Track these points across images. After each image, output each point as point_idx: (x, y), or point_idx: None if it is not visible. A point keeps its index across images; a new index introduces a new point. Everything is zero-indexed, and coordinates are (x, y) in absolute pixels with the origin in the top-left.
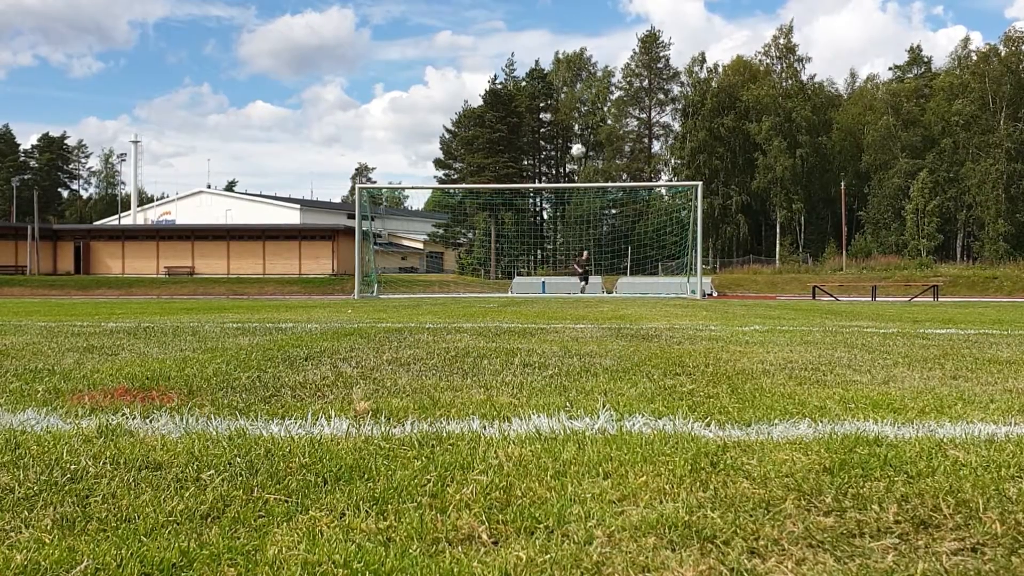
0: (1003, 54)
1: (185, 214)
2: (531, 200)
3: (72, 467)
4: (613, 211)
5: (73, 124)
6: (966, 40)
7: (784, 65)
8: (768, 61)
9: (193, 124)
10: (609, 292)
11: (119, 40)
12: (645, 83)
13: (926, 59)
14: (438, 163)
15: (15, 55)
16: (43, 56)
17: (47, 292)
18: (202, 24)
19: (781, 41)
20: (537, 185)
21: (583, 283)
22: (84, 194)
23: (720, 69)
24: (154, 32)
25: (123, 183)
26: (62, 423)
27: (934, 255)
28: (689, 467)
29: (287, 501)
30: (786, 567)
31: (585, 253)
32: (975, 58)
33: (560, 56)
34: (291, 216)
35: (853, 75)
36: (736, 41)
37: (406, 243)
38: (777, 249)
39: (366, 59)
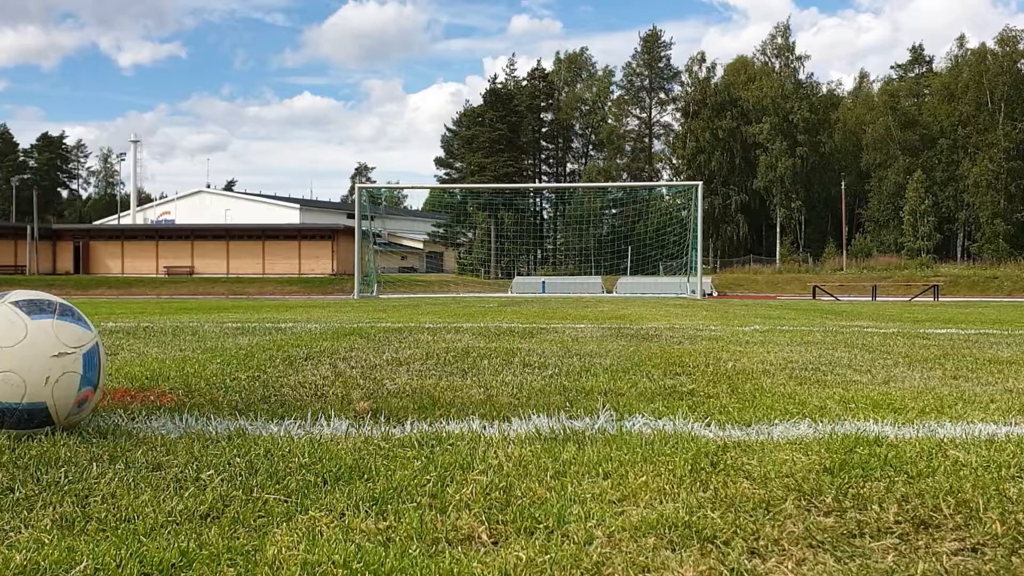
0: (999, 54)
1: (185, 214)
2: (531, 200)
3: (72, 467)
4: (613, 211)
5: (110, 119)
6: (962, 39)
7: (781, 64)
8: (767, 60)
9: (235, 116)
10: (609, 292)
11: (175, 27)
12: (646, 82)
13: (928, 59)
14: (438, 162)
15: (63, 36)
16: (94, 43)
17: (46, 292)
18: (258, 18)
19: (779, 40)
20: (538, 185)
21: None
22: (83, 194)
23: (719, 69)
24: (208, 23)
25: (122, 183)
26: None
27: (934, 255)
28: (689, 467)
29: (287, 501)
30: (786, 567)
31: None
32: (972, 58)
33: (561, 56)
34: (291, 216)
35: (862, 75)
36: (826, 30)
37: (406, 243)
38: (777, 249)
39: (429, 49)
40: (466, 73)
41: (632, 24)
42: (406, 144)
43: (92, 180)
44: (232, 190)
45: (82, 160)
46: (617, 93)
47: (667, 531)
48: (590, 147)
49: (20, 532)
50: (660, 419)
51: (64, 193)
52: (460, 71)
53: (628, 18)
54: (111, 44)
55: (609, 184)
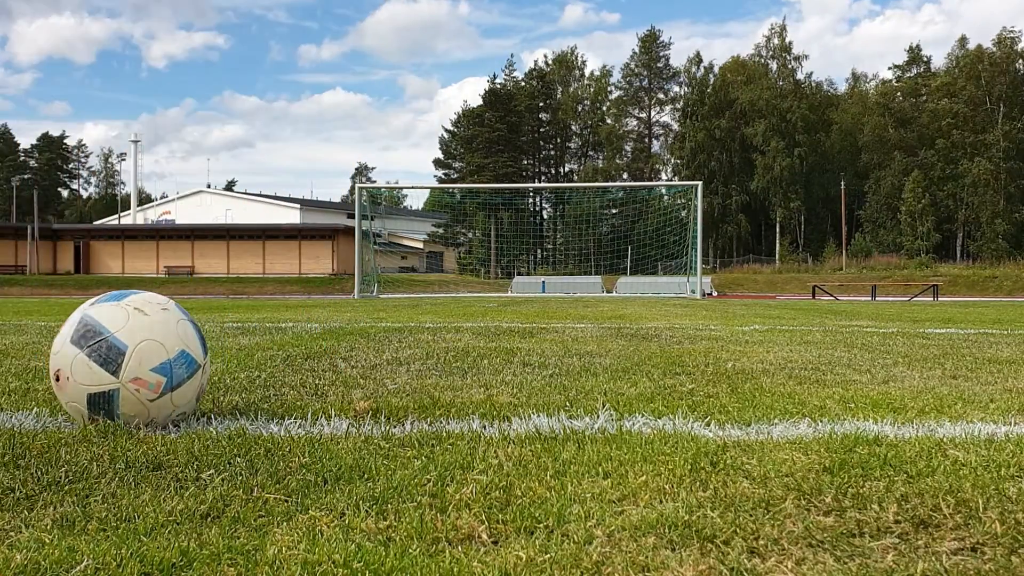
0: (996, 55)
1: (185, 214)
2: (531, 200)
3: (72, 467)
4: (613, 211)
5: (134, 117)
6: (962, 40)
7: (779, 64)
8: (763, 61)
9: (266, 113)
10: (609, 292)
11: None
12: (645, 83)
13: (925, 59)
14: (437, 163)
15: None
16: (127, 38)
17: (47, 292)
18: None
19: (775, 41)
20: (537, 185)
21: None
22: (84, 194)
23: (716, 69)
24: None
25: (123, 183)
26: (62, 423)
27: (933, 255)
28: (689, 467)
29: (287, 501)
30: (786, 567)
31: None
32: (970, 58)
33: (552, 56)
34: (291, 216)
35: (855, 75)
36: (888, 20)
37: (406, 243)
38: (777, 249)
39: (472, 42)
40: (471, 74)
41: (642, 22)
42: (406, 144)
43: (93, 180)
44: (232, 190)
45: (83, 160)
46: (616, 94)
47: (667, 530)
48: (588, 147)
49: (21, 532)
50: (660, 419)
51: (64, 193)
52: (487, 68)
53: (630, 16)
54: (142, 37)
55: (609, 184)
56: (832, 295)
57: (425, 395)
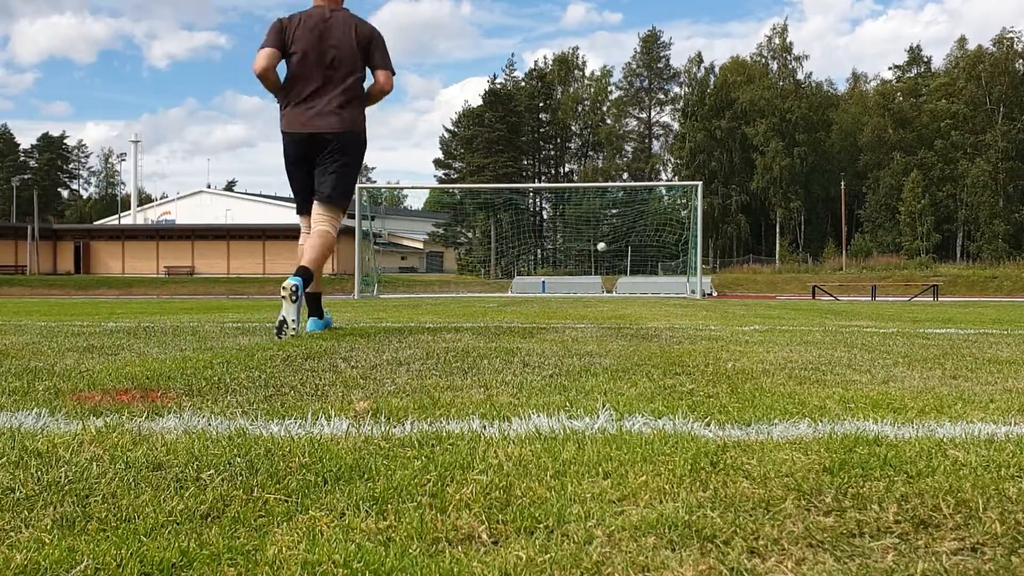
0: (996, 55)
1: (185, 214)
2: (531, 200)
3: (72, 467)
4: (613, 211)
5: (135, 117)
6: (961, 40)
7: (779, 64)
8: (763, 61)
9: (268, 113)
10: (609, 292)
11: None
12: (645, 83)
13: (925, 59)
14: (437, 163)
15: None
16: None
17: (47, 292)
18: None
19: (776, 41)
20: (537, 185)
21: None
22: (84, 194)
23: (717, 69)
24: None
25: (123, 183)
26: (62, 423)
27: (933, 255)
28: (689, 467)
29: (287, 501)
30: (786, 567)
31: None
32: (970, 58)
33: (553, 56)
34: (291, 216)
35: (855, 75)
36: (890, 20)
37: (406, 243)
38: (777, 249)
39: (473, 42)
40: (474, 73)
41: (639, 23)
42: (407, 144)
43: (93, 180)
44: (232, 190)
45: (83, 160)
46: (616, 94)
47: (667, 531)
48: (588, 148)
49: (20, 532)
50: (660, 419)
51: (64, 193)
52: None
53: (632, 16)
54: (144, 37)
55: (609, 184)
56: (832, 295)
57: (425, 395)
